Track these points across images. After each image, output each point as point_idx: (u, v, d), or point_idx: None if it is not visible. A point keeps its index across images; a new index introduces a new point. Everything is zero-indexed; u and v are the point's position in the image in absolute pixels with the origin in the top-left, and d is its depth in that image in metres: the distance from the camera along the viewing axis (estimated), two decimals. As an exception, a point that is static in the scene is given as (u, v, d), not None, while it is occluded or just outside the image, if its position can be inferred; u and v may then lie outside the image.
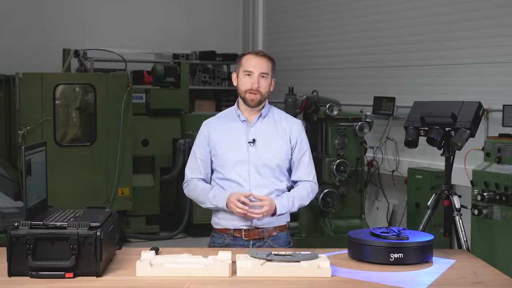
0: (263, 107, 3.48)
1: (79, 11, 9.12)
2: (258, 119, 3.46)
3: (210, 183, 3.53)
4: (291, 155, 3.48)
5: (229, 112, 3.53)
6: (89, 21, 9.12)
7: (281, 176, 3.47)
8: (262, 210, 3.30)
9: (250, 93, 3.39)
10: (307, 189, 3.48)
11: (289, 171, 3.52)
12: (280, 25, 9.32)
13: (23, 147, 2.94)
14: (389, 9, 7.24)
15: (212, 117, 3.58)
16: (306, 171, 3.50)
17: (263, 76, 3.38)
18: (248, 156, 3.40)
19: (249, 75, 3.39)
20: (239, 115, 3.47)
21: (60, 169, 6.58)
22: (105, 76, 7.21)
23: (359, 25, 7.69)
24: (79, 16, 9.08)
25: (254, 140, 3.41)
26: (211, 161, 3.50)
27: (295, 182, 3.53)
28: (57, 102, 6.87)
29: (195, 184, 3.49)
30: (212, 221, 3.53)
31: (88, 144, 7.03)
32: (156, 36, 9.38)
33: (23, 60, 8.17)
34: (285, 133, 3.47)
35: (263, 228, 3.41)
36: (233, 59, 9.06)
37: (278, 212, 3.36)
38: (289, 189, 3.53)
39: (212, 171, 3.52)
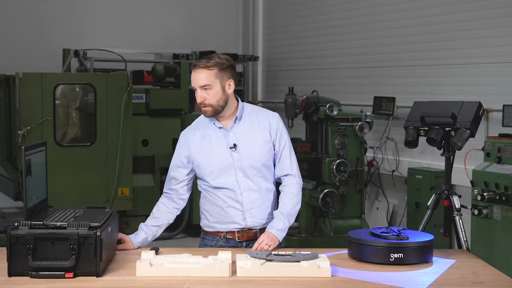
0: (236, 109, 3.42)
1: (79, 11, 9.12)
2: (234, 122, 3.40)
3: (189, 193, 3.51)
4: (274, 150, 3.44)
5: (205, 119, 3.45)
6: (89, 21, 9.12)
7: (269, 175, 3.42)
8: (265, 248, 3.23)
9: (201, 107, 3.36)
10: (292, 193, 3.44)
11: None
12: (280, 25, 9.32)
13: (23, 147, 2.94)
14: (389, 9, 7.24)
15: (189, 127, 3.51)
16: (288, 163, 3.45)
17: (205, 89, 3.33)
18: (232, 161, 3.35)
19: (195, 90, 3.37)
20: (214, 123, 3.41)
21: (60, 169, 6.58)
22: (105, 76, 7.21)
23: (359, 25, 7.69)
24: (79, 16, 9.08)
25: (235, 145, 3.36)
26: (194, 171, 3.46)
27: (278, 178, 3.48)
28: (57, 102, 6.87)
29: (158, 204, 3.56)
30: (201, 223, 3.50)
31: (88, 144, 7.02)
32: (156, 36, 9.38)
33: (23, 60, 8.18)
34: (264, 129, 3.42)
35: (256, 228, 3.40)
36: (233, 59, 9.00)
37: (280, 239, 3.34)
38: (276, 185, 3.50)
39: (196, 180, 3.49)
